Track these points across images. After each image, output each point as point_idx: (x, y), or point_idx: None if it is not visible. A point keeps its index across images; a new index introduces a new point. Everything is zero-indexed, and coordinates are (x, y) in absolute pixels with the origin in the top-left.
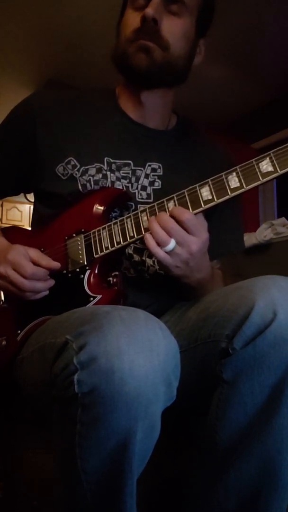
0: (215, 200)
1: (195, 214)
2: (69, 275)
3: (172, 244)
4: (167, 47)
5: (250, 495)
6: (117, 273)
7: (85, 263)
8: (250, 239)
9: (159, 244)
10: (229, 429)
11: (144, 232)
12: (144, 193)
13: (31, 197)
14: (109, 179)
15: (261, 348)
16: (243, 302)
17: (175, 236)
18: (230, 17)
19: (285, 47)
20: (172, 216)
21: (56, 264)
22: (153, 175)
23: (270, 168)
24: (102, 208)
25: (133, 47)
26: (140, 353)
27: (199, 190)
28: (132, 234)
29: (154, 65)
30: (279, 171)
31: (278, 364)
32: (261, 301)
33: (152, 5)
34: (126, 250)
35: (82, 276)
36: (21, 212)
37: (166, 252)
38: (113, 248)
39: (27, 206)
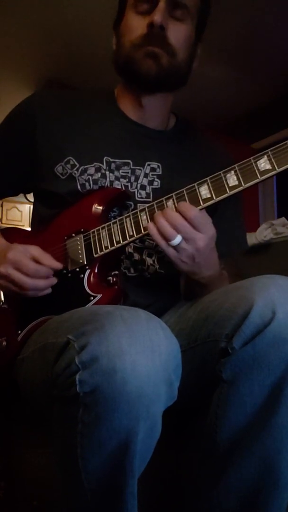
0: (214, 198)
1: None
2: (69, 274)
3: (178, 239)
4: (174, 53)
5: (250, 494)
6: (117, 272)
7: (85, 262)
8: (250, 239)
9: (165, 238)
10: (228, 429)
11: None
12: (143, 192)
13: (31, 197)
14: (108, 179)
15: (260, 348)
16: (242, 302)
17: (182, 233)
18: (230, 17)
19: (285, 47)
20: (178, 212)
21: (58, 265)
22: (152, 175)
23: (268, 166)
24: (101, 207)
25: (141, 53)
26: (141, 353)
27: (198, 188)
28: (131, 233)
29: (162, 72)
30: (277, 168)
31: (277, 364)
32: (260, 300)
33: (159, 12)
34: (126, 249)
35: (82, 275)
36: (21, 212)
37: (172, 246)
38: (113, 248)
39: (27, 206)
